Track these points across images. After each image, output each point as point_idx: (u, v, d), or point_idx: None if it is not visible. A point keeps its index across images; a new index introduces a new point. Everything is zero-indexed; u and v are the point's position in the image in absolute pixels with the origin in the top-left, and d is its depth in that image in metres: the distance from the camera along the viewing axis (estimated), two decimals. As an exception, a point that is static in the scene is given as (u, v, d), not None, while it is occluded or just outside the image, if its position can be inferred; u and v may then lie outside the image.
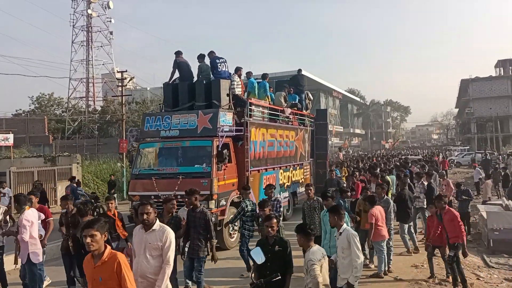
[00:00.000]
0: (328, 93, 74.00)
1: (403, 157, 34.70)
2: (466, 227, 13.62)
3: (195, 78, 12.36)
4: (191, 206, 7.44)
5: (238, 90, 12.19)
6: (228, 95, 11.83)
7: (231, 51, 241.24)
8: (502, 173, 20.87)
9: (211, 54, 12.23)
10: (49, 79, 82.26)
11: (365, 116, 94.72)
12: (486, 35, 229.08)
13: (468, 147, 59.50)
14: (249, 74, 13.65)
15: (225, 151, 10.59)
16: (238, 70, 12.55)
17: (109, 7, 48.72)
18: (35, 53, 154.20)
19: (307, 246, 5.04)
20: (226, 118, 11.37)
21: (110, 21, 48.95)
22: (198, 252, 7.23)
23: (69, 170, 20.41)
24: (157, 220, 5.12)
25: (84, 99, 48.70)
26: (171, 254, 4.98)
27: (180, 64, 12.31)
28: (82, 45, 48.08)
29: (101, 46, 49.25)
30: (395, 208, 10.58)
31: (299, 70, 17.46)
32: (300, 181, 16.21)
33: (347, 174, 17.18)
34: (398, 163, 22.67)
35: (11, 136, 22.73)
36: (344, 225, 5.79)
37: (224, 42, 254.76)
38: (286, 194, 14.76)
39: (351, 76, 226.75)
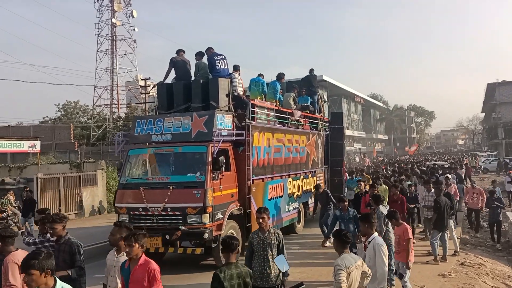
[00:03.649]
0: (350, 98, 72.67)
1: (427, 163, 32.93)
2: (496, 235, 13.37)
3: (194, 78, 11.26)
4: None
5: (240, 90, 11.03)
6: (227, 95, 10.65)
7: (253, 56, 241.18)
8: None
9: (209, 50, 11.09)
10: (75, 87, 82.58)
11: (388, 121, 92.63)
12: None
13: (496, 152, 57.29)
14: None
15: (221, 157, 9.37)
16: (237, 68, 11.37)
17: (132, 16, 49.11)
18: (62, 62, 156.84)
19: (340, 252, 4.93)
20: (224, 121, 10.16)
21: (134, 29, 49.22)
22: None
23: (93, 176, 20.59)
24: None
25: (109, 106, 48.97)
26: None
27: (176, 63, 11.21)
28: (106, 54, 48.43)
29: (125, 54, 49.45)
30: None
31: (311, 70, 16.05)
32: (313, 190, 14.95)
33: (370, 182, 14.73)
34: (418, 170, 21.06)
35: (38, 143, 22.92)
36: (374, 234, 5.73)
37: (246, 47, 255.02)
38: (296, 204, 13.48)
39: (373, 81, 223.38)
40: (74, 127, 40.26)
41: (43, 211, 6.89)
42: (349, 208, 9.80)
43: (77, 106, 48.85)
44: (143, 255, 4.71)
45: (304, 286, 4.78)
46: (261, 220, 6.02)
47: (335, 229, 5.57)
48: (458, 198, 13.83)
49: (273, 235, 5.98)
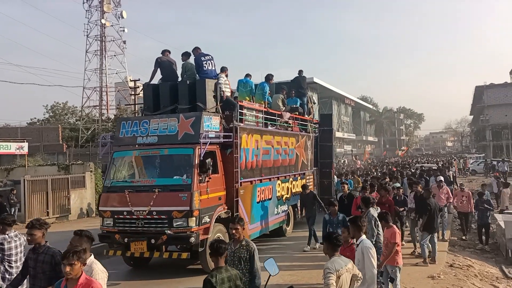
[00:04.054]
0: (340, 101, 72.88)
1: (417, 165, 32.97)
2: (484, 237, 13.36)
3: (180, 79, 11.07)
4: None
5: (227, 91, 10.86)
6: (215, 96, 10.48)
7: (244, 58, 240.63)
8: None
9: (196, 50, 10.89)
10: (64, 88, 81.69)
11: (377, 124, 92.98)
12: (501, 41, 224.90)
13: (483, 154, 57.68)
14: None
15: (208, 160, 9.18)
16: (224, 69, 11.22)
17: (122, 17, 48.73)
18: (50, 62, 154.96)
19: (330, 255, 4.90)
20: (212, 123, 9.97)
21: (123, 30, 48.90)
22: None
23: (82, 178, 20.37)
24: None
25: (98, 107, 48.49)
26: None
27: (162, 63, 10.99)
28: (95, 55, 47.98)
29: (115, 55, 48.97)
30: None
31: (300, 72, 15.88)
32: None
33: (360, 185, 14.87)
34: (410, 172, 21.06)
35: (25, 145, 22.46)
36: (363, 236, 5.75)
37: (237, 50, 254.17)
38: (285, 207, 13.34)
39: (365, 84, 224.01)
40: (62, 129, 39.99)
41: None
42: (338, 213, 9.64)
43: (65, 108, 48.62)
44: (83, 273, 4.20)
45: None
46: (234, 231, 5.56)
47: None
48: (451, 201, 13.80)
49: (244, 248, 5.48)
